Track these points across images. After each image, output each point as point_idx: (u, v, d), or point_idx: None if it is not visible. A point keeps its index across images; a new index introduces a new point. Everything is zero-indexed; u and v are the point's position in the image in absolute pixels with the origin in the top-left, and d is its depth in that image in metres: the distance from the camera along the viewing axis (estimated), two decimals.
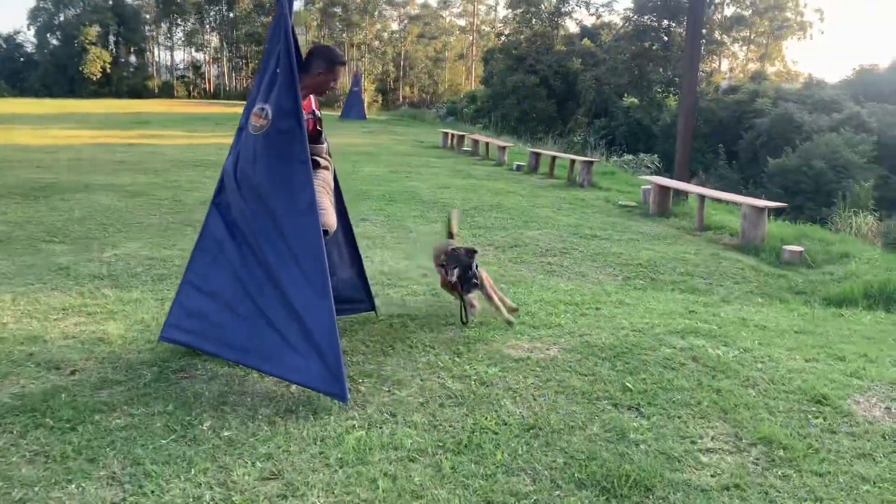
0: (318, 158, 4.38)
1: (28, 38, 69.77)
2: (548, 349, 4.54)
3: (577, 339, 4.72)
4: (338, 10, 74.53)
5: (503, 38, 50.70)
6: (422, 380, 3.98)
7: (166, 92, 71.06)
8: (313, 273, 3.74)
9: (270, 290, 3.87)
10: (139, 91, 66.62)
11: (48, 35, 68.10)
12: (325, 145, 4.45)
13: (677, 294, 6.37)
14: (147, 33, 75.69)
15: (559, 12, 47.13)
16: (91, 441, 3.15)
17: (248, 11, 74.17)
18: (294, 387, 3.79)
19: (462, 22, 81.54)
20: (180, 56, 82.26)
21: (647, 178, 11.86)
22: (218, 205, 4.22)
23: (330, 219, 4.34)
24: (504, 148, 17.41)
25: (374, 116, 41.83)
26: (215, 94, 73.09)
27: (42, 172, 12.35)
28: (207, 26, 79.30)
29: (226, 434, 3.27)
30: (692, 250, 8.16)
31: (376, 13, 77.24)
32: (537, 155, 15.83)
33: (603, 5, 53.51)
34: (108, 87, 65.11)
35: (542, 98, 39.96)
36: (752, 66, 49.54)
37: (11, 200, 9.37)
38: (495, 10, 75.90)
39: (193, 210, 9.11)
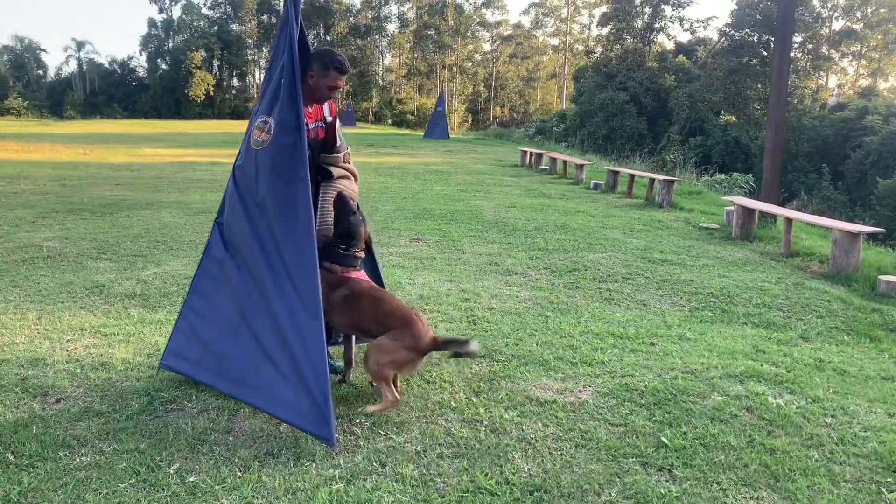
0: (332, 168, 4.06)
1: (140, 63, 73.95)
2: (580, 391, 4.01)
3: (616, 380, 4.17)
4: (431, 31, 75.46)
5: (593, 55, 49.84)
6: (427, 422, 3.55)
7: None
8: (308, 296, 3.39)
9: (264, 314, 3.57)
10: (240, 112, 69.21)
11: (158, 60, 71.86)
12: (342, 154, 4.10)
13: (748, 329, 5.67)
14: (249, 57, 78.82)
15: (651, 28, 45.86)
16: (43, 482, 2.88)
17: (343, 35, 76.15)
18: (284, 425, 3.43)
19: (555, 41, 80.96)
20: None
21: (731, 198, 11.00)
22: (220, 224, 3.95)
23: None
24: (581, 166, 16.76)
25: (460, 136, 41.85)
26: None
27: (119, 189, 12.66)
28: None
29: (191, 480, 2.94)
30: (773, 278, 7.37)
31: (469, 34, 77.74)
32: (615, 173, 15.12)
33: (698, 21, 51.86)
34: (211, 108, 68.11)
35: (632, 115, 38.85)
36: (864, 83, 46.69)
37: (79, 216, 9.55)
38: (589, 29, 74.93)
39: None
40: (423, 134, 33.84)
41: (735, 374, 4.28)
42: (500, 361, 4.49)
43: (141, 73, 73.49)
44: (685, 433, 3.44)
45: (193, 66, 67.25)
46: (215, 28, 72.42)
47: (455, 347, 3.78)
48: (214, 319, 3.85)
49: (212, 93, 68.75)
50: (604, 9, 49.70)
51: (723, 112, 38.38)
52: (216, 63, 72.67)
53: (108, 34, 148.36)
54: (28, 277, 6.19)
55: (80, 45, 70.62)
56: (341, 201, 3.96)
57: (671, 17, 45.98)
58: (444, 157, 23.67)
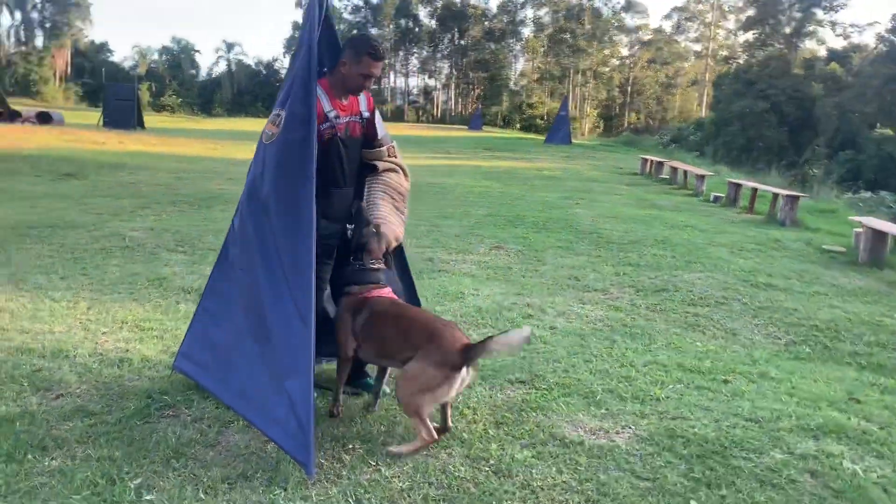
0: (378, 162, 3.77)
1: (283, 64, 77.60)
2: (616, 433, 3.49)
3: (664, 422, 3.61)
4: (566, 35, 74.37)
5: (734, 61, 47.18)
6: (426, 455, 3.16)
7: (397, 116, 75.14)
8: (302, 302, 3.10)
9: (263, 319, 3.31)
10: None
11: None
12: (385, 147, 3.79)
13: (850, 371, 4.87)
14: (385, 61, 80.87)
15: (799, 33, 42.84)
16: None
17: (478, 38, 76.53)
18: (272, 444, 3.16)
19: (698, 47, 77.57)
20: (414, 82, 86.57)
21: (859, 218, 9.80)
22: (233, 224, 3.74)
23: (382, 229, 3.65)
24: (702, 177, 15.67)
25: (586, 142, 40.82)
26: (441, 119, 76.08)
27: (229, 184, 13.03)
28: (439, 54, 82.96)
29: (147, 498, 2.72)
30: None
31: (606, 38, 75.99)
32: (737, 186, 13.98)
33: (851, 25, 47.94)
34: None
35: (772, 125, 36.41)
36: None
37: (176, 208, 9.84)
38: (735, 35, 71.19)
39: None
40: (543, 138, 33.13)
41: (811, 426, 3.61)
42: (540, 389, 4.03)
43: (283, 74, 77.06)
44: (723, 497, 2.86)
45: None
46: (354, 31, 74.74)
47: (498, 347, 3.15)
48: (226, 324, 3.65)
49: None
50: (749, 13, 46.94)
51: (879, 125, 35.18)
52: None
53: (256, 37, 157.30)
54: (99, 266, 6.32)
55: (229, 47, 75.21)
56: (359, 212, 3.65)
57: (823, 22, 42.78)
58: (560, 162, 23.04)
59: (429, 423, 3.17)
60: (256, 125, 43.92)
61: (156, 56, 76.37)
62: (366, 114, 3.73)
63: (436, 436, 3.19)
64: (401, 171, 3.90)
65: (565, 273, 7.13)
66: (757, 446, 3.34)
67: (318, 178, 3.61)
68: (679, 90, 77.25)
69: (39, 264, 6.23)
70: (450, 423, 3.37)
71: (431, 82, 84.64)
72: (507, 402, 3.81)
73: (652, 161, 19.93)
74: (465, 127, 54.22)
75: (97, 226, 8.16)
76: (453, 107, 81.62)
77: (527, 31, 78.64)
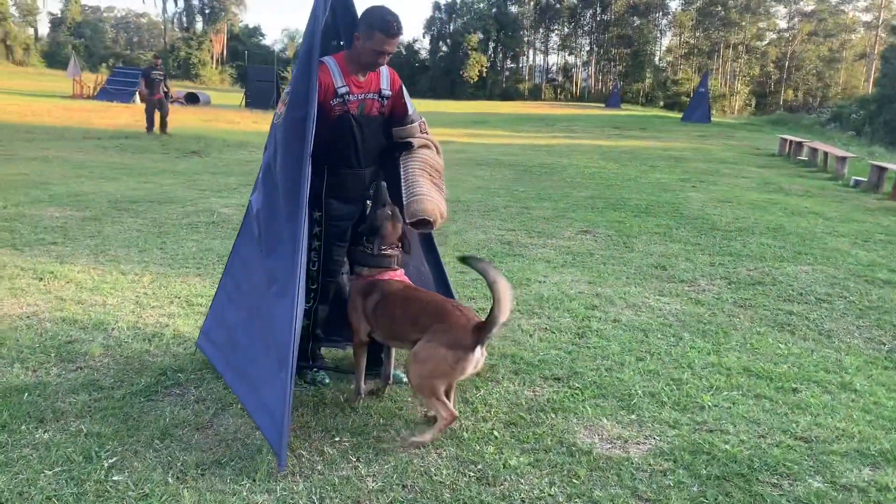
0: (412, 139, 3.57)
1: (423, 45, 78.64)
2: (637, 443, 3.14)
3: (694, 435, 3.21)
4: (718, 8, 70.31)
5: None
6: (412, 455, 2.96)
7: (535, 94, 74.30)
8: (285, 280, 2.98)
9: (263, 300, 3.23)
10: (510, 94, 70.69)
11: (439, 42, 75.80)
12: (416, 124, 3.58)
13: None
14: (524, 38, 79.88)
15: None
16: None
17: (620, 13, 73.95)
18: (260, 431, 3.07)
19: (868, 17, 70.95)
20: (553, 59, 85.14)
21: None
22: (251, 202, 3.67)
23: (426, 205, 3.36)
24: (844, 159, 14.22)
25: (730, 120, 38.41)
26: (580, 97, 74.36)
27: None
28: (580, 30, 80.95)
29: (115, 479, 2.69)
30: None
31: (761, 10, 71.11)
32: (880, 169, 12.53)
33: None
34: (482, 89, 70.37)
35: None
36: None
37: None
38: None
39: None
40: (680, 116, 31.48)
41: (872, 451, 3.08)
42: (573, 388, 3.71)
43: (423, 55, 78.13)
44: None
45: (470, 47, 69.86)
46: (494, 10, 74.38)
47: (504, 315, 2.96)
48: (238, 304, 3.60)
49: (485, 74, 70.92)
50: None
51: None
52: (491, 45, 74.73)
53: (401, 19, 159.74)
54: (179, 241, 6.54)
55: None
56: (378, 192, 3.47)
57: None
58: (691, 142, 21.77)
59: (446, 401, 3.04)
60: None
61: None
62: (387, 92, 3.53)
63: (456, 413, 3.08)
64: (434, 147, 3.68)
65: (652, 261, 6.64)
66: (794, 471, 2.88)
67: (329, 157, 3.47)
68: (843, 65, 71.10)
69: (124, 237, 6.54)
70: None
71: (571, 59, 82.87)
72: (531, 401, 3.53)
73: (791, 141, 18.37)
74: (603, 105, 52.67)
75: (193, 201, 8.50)
76: (593, 84, 79.53)
77: (674, 5, 75.18)
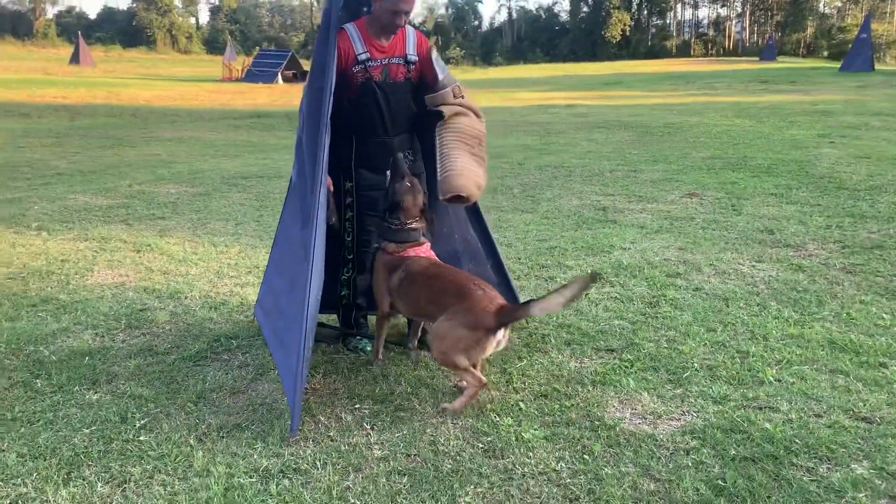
0: (443, 108, 3.47)
1: (563, 7, 76.82)
2: (671, 419, 2.93)
3: (739, 412, 2.96)
4: None
5: None
6: (428, 424, 2.92)
7: (683, 51, 70.60)
8: (309, 251, 3.04)
9: (299, 269, 3.29)
10: (656, 52, 67.61)
11: (580, 3, 73.63)
12: (449, 89, 3.44)
13: None
14: None
15: None
16: (22, 413, 3.02)
17: None
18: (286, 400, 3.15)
19: None
20: (704, 13, 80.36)
21: None
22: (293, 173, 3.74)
23: (460, 181, 3.26)
24: None
25: None
26: (733, 52, 69.85)
27: None
28: None
29: (141, 439, 2.84)
30: None
31: None
32: None
33: None
34: (626, 49, 67.78)
35: None
36: None
37: None
38: None
39: (518, 174, 8.65)
40: (839, 66, 28.78)
41: None
42: (624, 360, 3.52)
43: (563, 17, 76.32)
44: None
45: (612, 6, 67.35)
46: None
47: (538, 312, 2.97)
48: (282, 271, 3.69)
49: (628, 33, 68.22)
50: None
51: None
52: (635, 2, 71.64)
53: None
54: (276, 214, 6.75)
55: None
56: (395, 165, 3.39)
57: None
58: (846, 94, 19.85)
59: (472, 369, 3.01)
60: (524, 72, 44.37)
61: (443, 10, 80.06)
62: (412, 56, 3.44)
63: (484, 379, 3.05)
64: (472, 114, 3.54)
65: (759, 225, 6.14)
66: (837, 454, 2.57)
67: (356, 126, 3.46)
68: None
69: (226, 211, 6.89)
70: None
71: (723, 11, 77.85)
72: (572, 373, 3.38)
73: None
74: (757, 59, 49.17)
75: None
76: (747, 37, 74.33)
77: None
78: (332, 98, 3.10)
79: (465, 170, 3.35)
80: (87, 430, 2.90)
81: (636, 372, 3.39)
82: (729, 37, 75.35)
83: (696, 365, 3.45)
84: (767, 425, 2.81)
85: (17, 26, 73.30)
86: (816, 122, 13.18)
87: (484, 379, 3.04)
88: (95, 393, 3.24)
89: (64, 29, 75.67)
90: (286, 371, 3.18)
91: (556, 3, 79.58)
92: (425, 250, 3.38)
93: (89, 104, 19.12)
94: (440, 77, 3.47)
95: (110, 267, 5.10)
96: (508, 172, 8.97)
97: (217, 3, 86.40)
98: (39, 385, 3.30)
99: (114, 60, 44.14)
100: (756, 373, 3.36)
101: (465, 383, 3.09)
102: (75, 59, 42.53)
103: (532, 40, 71.76)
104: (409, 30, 3.42)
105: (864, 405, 2.99)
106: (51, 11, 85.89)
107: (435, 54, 3.52)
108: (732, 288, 4.60)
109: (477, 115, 3.55)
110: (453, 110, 3.46)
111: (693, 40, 75.45)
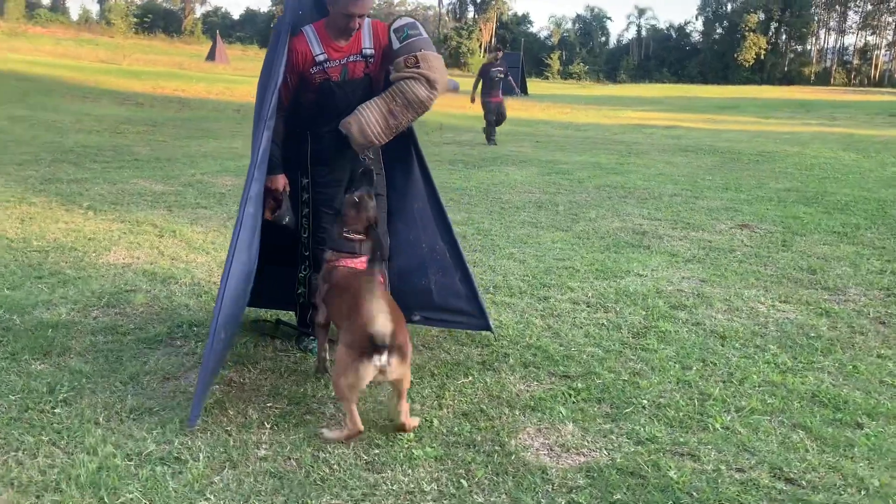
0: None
1: (695, 27, 74.38)
2: (578, 453, 2.75)
3: (655, 457, 2.73)
4: None
5: None
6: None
7: (822, 79, 66.81)
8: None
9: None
10: (791, 78, 64.29)
11: (715, 24, 71.13)
12: (399, 60, 3.27)
13: None
14: (814, 18, 72.02)
15: None
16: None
17: None
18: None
19: None
20: (850, 40, 75.64)
21: None
22: None
23: (349, 117, 3.30)
24: None
25: None
26: (878, 83, 65.32)
27: (524, 146, 13.12)
28: (886, 6, 70.97)
29: (56, 411, 2.92)
30: None
31: None
32: None
33: None
34: (760, 73, 64.82)
35: None
36: None
37: (452, 168, 10.24)
38: None
39: (571, 192, 8.41)
40: None
41: None
42: (573, 388, 3.33)
43: (695, 37, 73.95)
44: None
45: (748, 28, 64.68)
46: None
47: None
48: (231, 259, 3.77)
49: (762, 56, 65.22)
50: None
51: None
52: (773, 25, 68.39)
53: (669, 2, 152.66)
54: None
55: (641, 13, 74.71)
56: (355, 177, 3.38)
57: None
58: None
59: (353, 410, 2.75)
60: (646, 91, 43.19)
61: (569, 25, 79.47)
62: (368, 50, 3.39)
63: (359, 427, 2.75)
64: (422, 80, 3.27)
65: (804, 264, 5.69)
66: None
67: (315, 124, 3.47)
68: None
69: None
70: (405, 421, 2.85)
71: (873, 40, 73.03)
72: (511, 396, 3.23)
73: None
74: None
75: None
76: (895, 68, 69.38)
77: None
78: (275, 97, 3.13)
79: (359, 112, 3.26)
80: (13, 398, 3.02)
81: (577, 402, 3.21)
82: (876, 66, 70.55)
83: (644, 402, 3.22)
84: (672, 474, 2.58)
85: (169, 23, 78.74)
86: None
87: (360, 427, 2.74)
88: (42, 364, 3.37)
89: (209, 27, 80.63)
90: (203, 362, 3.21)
91: (688, 22, 77.21)
92: (359, 263, 3.29)
93: (202, 98, 20.22)
94: (395, 48, 3.31)
95: (127, 248, 5.35)
96: (563, 189, 8.75)
97: None
98: (53, 354, 3.46)
99: (248, 59, 46.38)
100: (705, 418, 3.09)
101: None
102: (211, 56, 45.01)
103: (660, 59, 69.99)
104: (366, 23, 3.38)
105: (800, 466, 2.69)
106: (199, 10, 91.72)
107: (399, 23, 3.33)
108: (736, 326, 4.28)
109: (428, 82, 3.33)
110: (400, 76, 3.32)
111: (834, 68, 71.21)
